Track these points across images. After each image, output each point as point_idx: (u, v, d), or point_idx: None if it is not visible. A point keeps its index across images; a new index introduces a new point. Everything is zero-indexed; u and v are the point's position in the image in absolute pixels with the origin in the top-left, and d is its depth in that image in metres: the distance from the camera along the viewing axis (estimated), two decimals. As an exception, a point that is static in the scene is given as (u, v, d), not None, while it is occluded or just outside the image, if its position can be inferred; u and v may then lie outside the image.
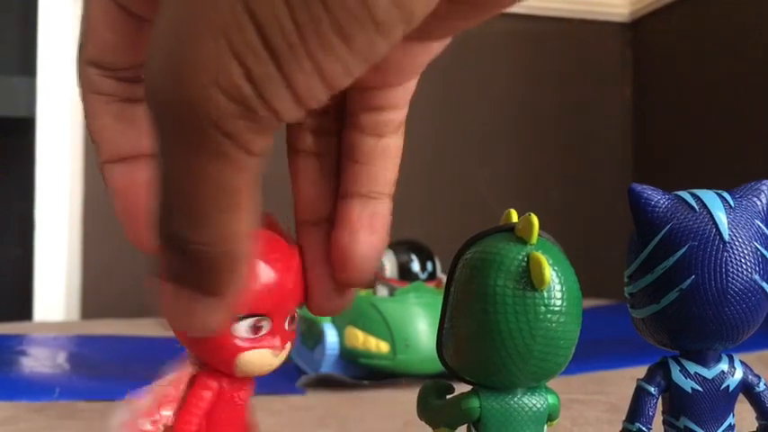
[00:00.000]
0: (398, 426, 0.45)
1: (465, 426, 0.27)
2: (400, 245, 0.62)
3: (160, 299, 0.20)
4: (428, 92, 1.18)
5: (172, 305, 0.20)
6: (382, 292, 0.60)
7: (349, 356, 0.57)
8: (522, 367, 0.25)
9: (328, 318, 0.59)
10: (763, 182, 0.27)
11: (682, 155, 1.26)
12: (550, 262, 0.24)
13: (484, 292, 0.24)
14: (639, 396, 0.27)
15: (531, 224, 0.25)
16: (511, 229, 0.25)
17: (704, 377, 0.26)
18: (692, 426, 0.26)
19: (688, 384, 0.26)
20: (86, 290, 1.06)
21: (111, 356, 0.73)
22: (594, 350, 0.67)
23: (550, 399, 0.26)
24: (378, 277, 0.61)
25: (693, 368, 0.26)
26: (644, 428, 0.26)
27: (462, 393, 0.26)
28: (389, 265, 0.60)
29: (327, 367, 0.58)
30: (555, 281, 0.24)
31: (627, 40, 1.33)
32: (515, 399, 0.26)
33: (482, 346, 0.25)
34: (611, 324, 0.69)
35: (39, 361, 0.69)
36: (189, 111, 0.17)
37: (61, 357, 0.72)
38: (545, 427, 0.27)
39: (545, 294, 0.24)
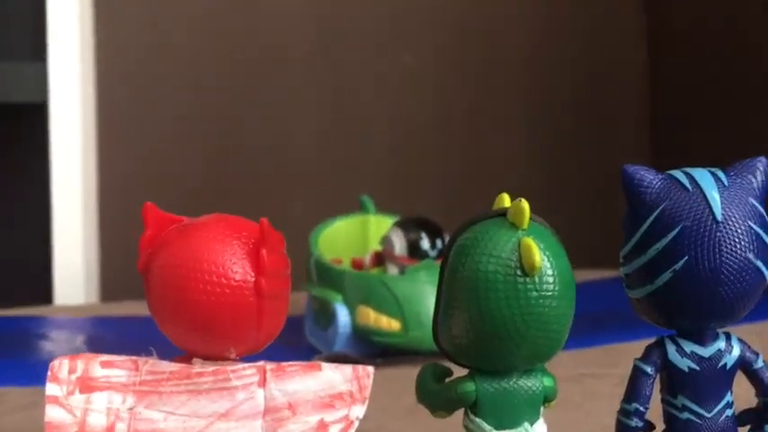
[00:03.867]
0: (410, 402, 0.45)
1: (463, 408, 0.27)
2: (410, 223, 0.61)
3: None
4: (438, 68, 1.18)
5: None
6: (392, 270, 0.60)
7: (361, 335, 0.57)
8: (515, 351, 0.25)
9: (340, 297, 0.59)
10: (760, 159, 0.27)
11: (701, 125, 1.24)
12: (542, 247, 0.24)
13: (475, 279, 0.24)
14: (636, 376, 0.26)
15: (522, 209, 0.25)
16: (503, 214, 0.26)
17: (701, 356, 0.26)
18: (690, 404, 0.26)
19: (684, 363, 0.26)
20: (104, 272, 1.07)
21: (131, 338, 0.73)
22: (610, 322, 0.67)
23: (546, 381, 0.27)
24: (387, 256, 0.61)
25: (690, 347, 0.26)
26: (641, 408, 0.26)
27: (458, 377, 0.27)
28: (399, 244, 0.60)
29: (340, 346, 0.58)
30: (546, 266, 0.24)
31: (640, 4, 1.31)
32: (511, 382, 0.26)
33: (474, 331, 0.25)
34: (626, 296, 0.68)
35: (58, 344, 0.70)
36: None
37: (80, 340, 0.73)
38: (541, 408, 0.27)
39: (536, 280, 0.24)
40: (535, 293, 0.24)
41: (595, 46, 1.26)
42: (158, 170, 1.07)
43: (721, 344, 0.26)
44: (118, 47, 1.07)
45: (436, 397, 0.27)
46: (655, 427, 0.27)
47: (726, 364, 0.26)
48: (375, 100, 1.15)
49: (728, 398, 0.26)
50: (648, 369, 0.26)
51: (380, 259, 0.63)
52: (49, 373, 0.25)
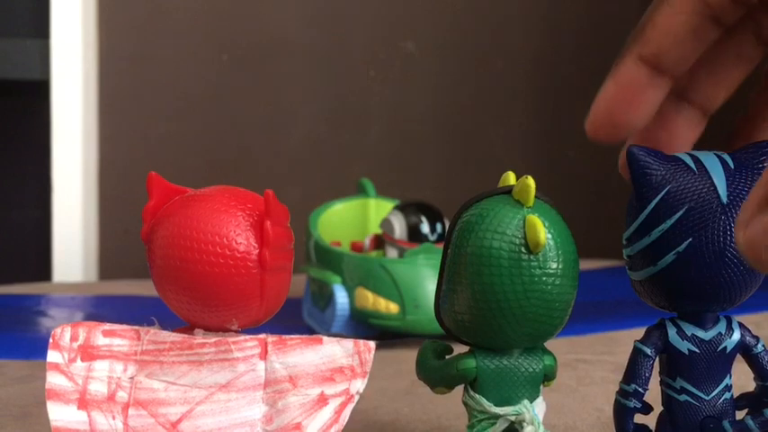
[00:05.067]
0: (406, 384, 0.46)
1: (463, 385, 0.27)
2: (410, 206, 0.61)
3: (757, 227, 0.20)
4: (439, 54, 1.17)
5: None
6: (392, 253, 0.60)
7: (359, 317, 0.57)
8: (516, 329, 0.25)
9: (338, 279, 0.59)
10: (766, 142, 0.26)
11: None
12: (546, 225, 0.24)
13: (479, 255, 0.24)
14: (636, 357, 0.26)
15: (527, 187, 0.25)
16: (508, 191, 0.26)
17: (701, 339, 0.26)
18: (689, 387, 0.26)
19: (685, 346, 0.26)
20: (104, 251, 1.07)
21: (128, 316, 0.73)
22: (605, 311, 0.67)
23: (546, 359, 0.27)
24: (387, 239, 0.61)
25: (690, 330, 0.26)
26: (640, 390, 0.26)
27: (459, 354, 0.27)
28: (399, 227, 0.60)
29: (338, 328, 0.58)
30: (551, 244, 0.24)
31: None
32: (511, 359, 0.26)
33: (477, 308, 0.25)
34: (623, 285, 0.68)
35: (56, 321, 0.70)
36: None
37: (78, 317, 0.73)
38: (541, 387, 0.27)
39: (540, 257, 0.24)
40: (539, 271, 0.24)
41: (598, 35, 1.26)
42: (158, 150, 1.07)
43: (722, 327, 0.26)
44: (121, 25, 1.07)
45: (437, 373, 0.27)
46: (653, 409, 0.27)
47: (726, 348, 0.26)
48: (376, 85, 1.15)
49: (727, 381, 0.26)
50: (649, 351, 0.26)
51: (380, 242, 0.63)
52: (50, 340, 0.25)
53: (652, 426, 0.28)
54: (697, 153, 0.26)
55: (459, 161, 1.18)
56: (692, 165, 0.25)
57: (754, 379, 0.27)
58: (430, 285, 0.55)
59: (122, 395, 0.25)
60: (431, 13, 1.17)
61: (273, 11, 1.11)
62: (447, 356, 0.27)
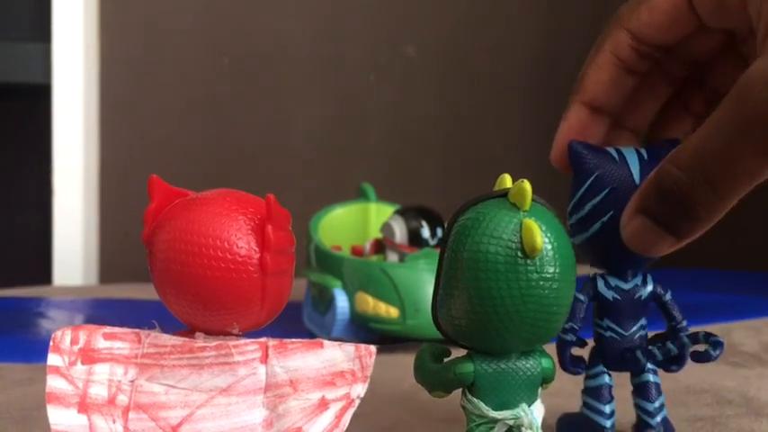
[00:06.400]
0: (406, 388, 0.46)
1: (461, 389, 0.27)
2: (410, 211, 0.62)
3: (634, 225, 0.29)
4: (439, 58, 1.18)
5: (641, 233, 0.29)
6: (392, 257, 0.60)
7: (359, 321, 0.57)
8: (514, 333, 0.25)
9: (339, 283, 0.59)
10: (676, 138, 0.33)
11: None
12: (543, 229, 0.24)
13: (475, 259, 0.24)
14: (573, 303, 0.31)
15: (523, 190, 0.25)
16: (505, 194, 0.25)
17: (622, 288, 0.33)
18: (613, 325, 0.33)
19: (610, 294, 0.33)
20: (104, 254, 1.07)
21: (128, 320, 0.73)
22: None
23: (544, 362, 0.27)
24: (387, 243, 0.61)
25: (614, 282, 0.33)
26: (575, 326, 0.33)
27: (457, 358, 0.27)
28: (399, 232, 0.60)
29: (338, 332, 0.58)
30: (547, 248, 0.24)
31: None
32: (509, 363, 0.26)
33: (474, 312, 0.25)
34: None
35: (56, 324, 0.70)
36: None
37: (79, 320, 0.73)
38: (539, 389, 0.27)
39: (537, 262, 0.24)
40: (536, 275, 0.24)
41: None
42: (159, 153, 1.08)
43: (638, 281, 0.33)
44: (122, 29, 1.07)
45: (434, 376, 0.27)
46: (587, 344, 0.34)
47: (641, 296, 0.33)
48: (376, 89, 1.15)
49: (642, 322, 0.33)
50: (582, 297, 0.33)
51: (380, 247, 0.63)
52: (51, 343, 0.25)
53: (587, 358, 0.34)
54: (621, 148, 0.33)
55: (460, 165, 1.18)
56: (616, 156, 0.32)
57: (665, 322, 0.34)
58: (430, 290, 0.55)
59: (123, 398, 0.25)
60: (431, 17, 1.17)
61: (274, 15, 1.11)
62: (445, 359, 0.27)
